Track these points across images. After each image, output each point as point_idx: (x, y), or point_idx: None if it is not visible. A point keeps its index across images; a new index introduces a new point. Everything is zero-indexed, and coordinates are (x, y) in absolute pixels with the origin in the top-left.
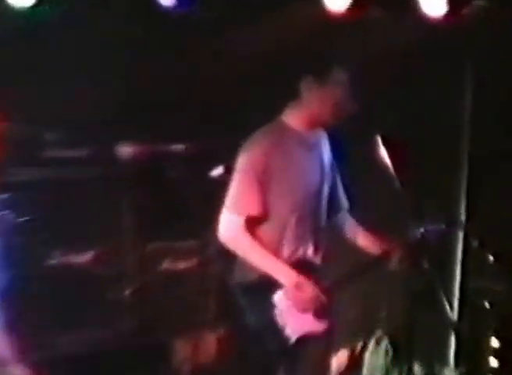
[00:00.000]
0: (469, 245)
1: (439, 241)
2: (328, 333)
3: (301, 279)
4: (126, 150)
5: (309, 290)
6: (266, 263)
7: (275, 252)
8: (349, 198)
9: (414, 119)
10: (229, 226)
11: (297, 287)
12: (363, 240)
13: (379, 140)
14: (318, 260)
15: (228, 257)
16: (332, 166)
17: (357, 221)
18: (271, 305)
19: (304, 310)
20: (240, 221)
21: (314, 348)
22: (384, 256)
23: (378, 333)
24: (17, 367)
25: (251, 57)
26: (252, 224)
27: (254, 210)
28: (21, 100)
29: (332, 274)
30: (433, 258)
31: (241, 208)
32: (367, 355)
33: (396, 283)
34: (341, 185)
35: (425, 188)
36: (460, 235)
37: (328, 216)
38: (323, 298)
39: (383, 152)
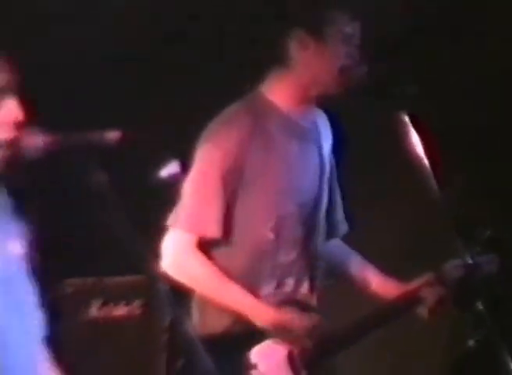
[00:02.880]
0: None
1: (501, 271)
2: None
3: (284, 316)
4: (31, 141)
5: (300, 326)
6: (230, 297)
7: (248, 289)
8: (349, 216)
9: (452, 91)
10: (174, 248)
11: (282, 328)
12: (374, 281)
13: (407, 121)
14: (312, 301)
15: (184, 298)
16: (331, 165)
17: (365, 246)
18: (246, 366)
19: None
20: (190, 239)
21: None
22: (411, 298)
23: None
24: None
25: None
26: (211, 248)
27: (214, 231)
28: None
29: (336, 322)
30: (492, 298)
31: (194, 226)
32: None
33: (438, 335)
34: (339, 196)
35: (479, 193)
36: None
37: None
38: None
39: (413, 139)
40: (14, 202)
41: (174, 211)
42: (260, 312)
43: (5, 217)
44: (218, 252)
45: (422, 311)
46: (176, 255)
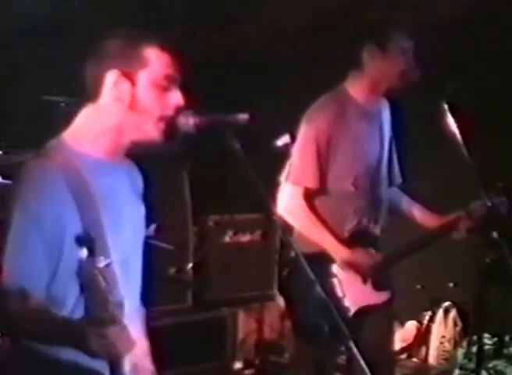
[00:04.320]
0: None
1: (510, 210)
2: (388, 305)
3: (354, 256)
4: (186, 120)
5: (363, 267)
6: (320, 238)
7: (339, 225)
8: (403, 172)
9: (482, 86)
10: (288, 198)
11: (350, 264)
12: (420, 215)
13: (446, 108)
14: (377, 231)
15: (291, 228)
16: (390, 137)
17: (419, 191)
18: (330, 275)
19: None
20: (299, 193)
21: (375, 319)
22: (448, 227)
23: (446, 303)
24: None
25: (313, 23)
26: (312, 197)
27: (313, 183)
28: None
29: (393, 245)
30: (503, 229)
31: (300, 180)
32: (435, 326)
33: (465, 254)
34: (396, 158)
35: (495, 157)
36: None
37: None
38: (379, 271)
39: (450, 121)
40: (144, 186)
41: (286, 170)
42: (338, 251)
43: (136, 202)
44: (318, 200)
45: (457, 236)
46: (287, 202)
